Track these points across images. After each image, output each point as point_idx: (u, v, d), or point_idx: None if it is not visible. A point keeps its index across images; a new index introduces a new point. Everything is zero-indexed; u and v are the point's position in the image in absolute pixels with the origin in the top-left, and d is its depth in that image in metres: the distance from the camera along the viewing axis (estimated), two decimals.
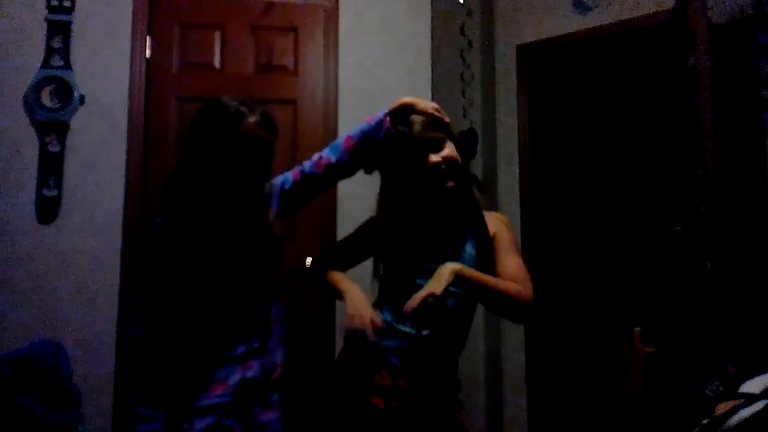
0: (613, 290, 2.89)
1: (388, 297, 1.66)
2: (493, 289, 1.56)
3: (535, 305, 1.58)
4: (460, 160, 1.62)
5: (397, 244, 1.64)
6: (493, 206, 3.19)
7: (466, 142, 3.25)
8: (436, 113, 1.61)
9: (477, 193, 1.68)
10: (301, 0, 3.28)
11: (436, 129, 1.61)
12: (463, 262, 1.58)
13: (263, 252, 1.64)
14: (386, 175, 1.68)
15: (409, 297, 1.50)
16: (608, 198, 2.96)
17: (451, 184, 1.60)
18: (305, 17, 3.27)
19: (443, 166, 1.58)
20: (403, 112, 1.61)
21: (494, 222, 1.68)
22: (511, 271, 1.61)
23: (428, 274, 1.54)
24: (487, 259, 1.62)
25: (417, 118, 1.61)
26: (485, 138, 3.31)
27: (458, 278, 1.52)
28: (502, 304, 1.58)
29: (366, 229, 1.74)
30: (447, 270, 1.52)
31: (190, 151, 1.59)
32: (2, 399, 2.53)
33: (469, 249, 1.63)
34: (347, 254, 1.78)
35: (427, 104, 1.62)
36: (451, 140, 1.63)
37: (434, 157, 1.59)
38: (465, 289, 1.57)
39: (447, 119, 1.63)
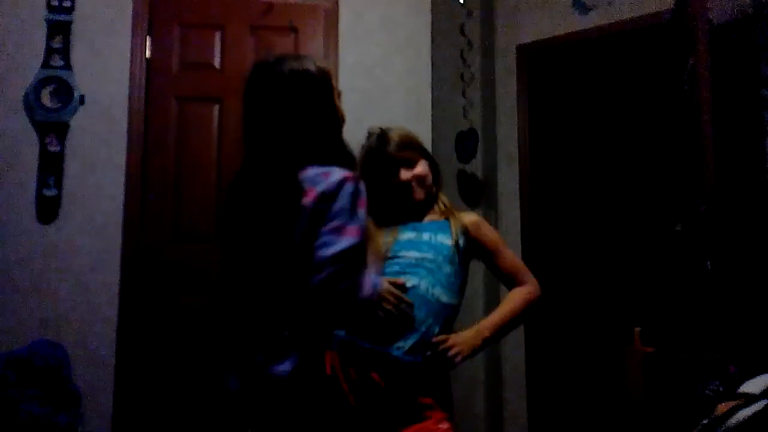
0: (613, 290, 2.88)
1: None
2: (516, 318, 1.72)
3: (544, 292, 1.75)
4: (430, 177, 1.81)
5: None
6: (493, 206, 3.20)
7: (466, 142, 3.25)
8: None
9: (446, 202, 1.85)
10: (301, 0, 3.28)
11: (410, 149, 1.79)
12: (435, 249, 1.70)
13: None
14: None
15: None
16: (608, 198, 2.96)
17: (420, 196, 1.78)
18: (305, 17, 3.27)
19: (413, 183, 1.77)
20: None
21: (473, 219, 1.82)
22: (511, 266, 1.79)
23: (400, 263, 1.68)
24: (459, 251, 1.73)
25: (393, 135, 1.79)
26: (485, 138, 3.31)
27: (486, 342, 1.67)
28: (525, 320, 1.79)
29: None
30: (476, 339, 1.65)
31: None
32: (2, 399, 2.53)
33: (442, 238, 1.73)
34: None
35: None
36: (426, 158, 1.82)
37: (405, 174, 1.77)
38: (495, 342, 1.73)
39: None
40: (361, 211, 1.39)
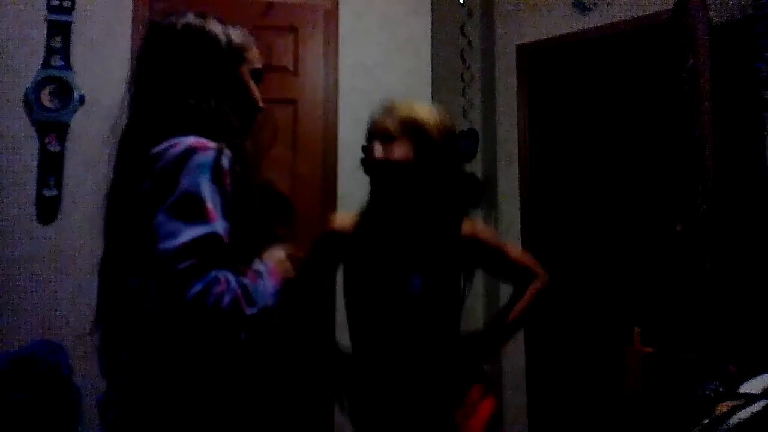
0: (613, 290, 2.89)
1: (354, 329, 1.60)
2: (527, 314, 1.72)
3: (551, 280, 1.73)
4: (413, 170, 1.45)
5: (362, 267, 1.55)
6: (493, 206, 3.20)
7: (466, 142, 3.25)
8: None
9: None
10: (301, 0, 3.28)
11: (402, 126, 1.47)
12: (407, 299, 1.49)
13: None
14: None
15: (373, 331, 1.53)
16: (609, 198, 2.96)
17: (381, 188, 1.50)
18: (305, 17, 3.27)
19: (381, 165, 1.44)
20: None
21: (467, 224, 1.58)
22: (520, 259, 1.69)
23: (383, 309, 1.51)
24: (436, 292, 1.51)
25: (399, 107, 1.51)
26: (485, 138, 3.31)
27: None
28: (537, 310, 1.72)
29: (325, 244, 1.63)
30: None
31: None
32: (1, 399, 2.53)
33: (416, 283, 1.50)
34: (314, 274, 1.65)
35: None
36: (422, 148, 1.46)
37: (376, 150, 1.45)
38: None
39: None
40: (215, 188, 1.08)
